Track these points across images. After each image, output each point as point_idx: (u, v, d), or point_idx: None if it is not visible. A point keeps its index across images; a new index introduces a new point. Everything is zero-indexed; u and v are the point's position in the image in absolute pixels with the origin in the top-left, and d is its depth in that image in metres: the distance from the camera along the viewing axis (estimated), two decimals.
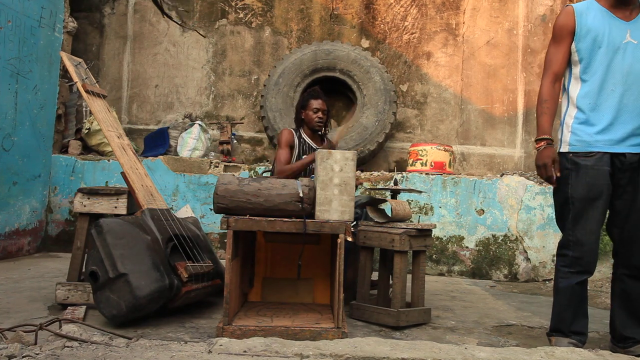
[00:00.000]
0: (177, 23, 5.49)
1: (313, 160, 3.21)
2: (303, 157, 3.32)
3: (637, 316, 2.31)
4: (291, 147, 3.34)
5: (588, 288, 2.40)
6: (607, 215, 2.37)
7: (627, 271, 2.32)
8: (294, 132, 3.38)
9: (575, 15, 2.28)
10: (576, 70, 2.31)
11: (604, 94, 2.24)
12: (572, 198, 2.26)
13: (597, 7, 2.30)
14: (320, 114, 3.31)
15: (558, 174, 2.27)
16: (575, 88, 2.31)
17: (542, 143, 2.28)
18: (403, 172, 4.63)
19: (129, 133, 5.33)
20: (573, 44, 2.29)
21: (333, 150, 2.54)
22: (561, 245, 2.33)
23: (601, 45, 2.25)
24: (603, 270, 4.14)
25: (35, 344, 1.96)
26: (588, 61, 2.27)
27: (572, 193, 2.26)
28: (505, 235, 4.45)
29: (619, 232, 2.33)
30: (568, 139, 2.29)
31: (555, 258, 4.34)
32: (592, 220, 2.25)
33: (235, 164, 4.73)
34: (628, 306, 2.32)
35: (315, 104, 3.32)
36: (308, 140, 3.38)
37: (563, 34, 2.30)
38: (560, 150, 2.33)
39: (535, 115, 5.33)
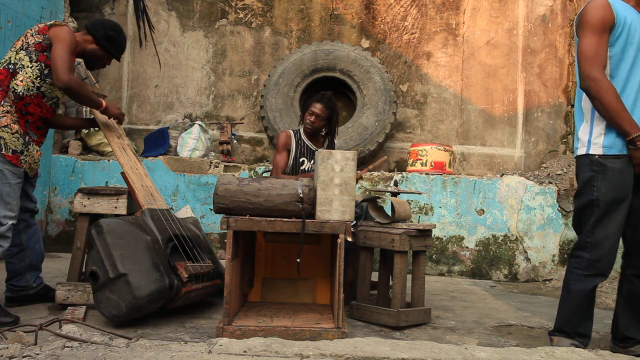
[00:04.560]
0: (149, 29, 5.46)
1: None
2: (300, 159, 3.34)
3: None
4: (288, 150, 3.35)
5: None
6: None
7: (637, 272, 2.29)
8: (292, 133, 3.39)
9: (613, 9, 2.16)
10: (606, 69, 2.20)
11: (625, 94, 2.18)
12: (598, 200, 2.18)
13: (623, 3, 2.23)
14: (312, 118, 3.30)
15: None
16: None
17: None
18: (403, 172, 4.63)
19: (129, 133, 5.33)
20: (610, 39, 2.18)
21: (333, 151, 2.55)
22: (576, 247, 2.26)
23: (633, 42, 2.17)
24: None
25: (35, 344, 1.96)
26: (619, 58, 2.19)
27: (597, 196, 2.18)
28: (505, 236, 4.45)
29: (632, 232, 2.29)
30: (601, 142, 2.18)
31: (554, 258, 4.38)
32: (614, 222, 2.19)
33: (235, 164, 4.73)
34: (633, 307, 2.30)
35: (313, 106, 3.31)
36: (307, 141, 3.38)
37: (605, 28, 2.16)
38: (586, 152, 2.23)
39: (534, 115, 5.41)
